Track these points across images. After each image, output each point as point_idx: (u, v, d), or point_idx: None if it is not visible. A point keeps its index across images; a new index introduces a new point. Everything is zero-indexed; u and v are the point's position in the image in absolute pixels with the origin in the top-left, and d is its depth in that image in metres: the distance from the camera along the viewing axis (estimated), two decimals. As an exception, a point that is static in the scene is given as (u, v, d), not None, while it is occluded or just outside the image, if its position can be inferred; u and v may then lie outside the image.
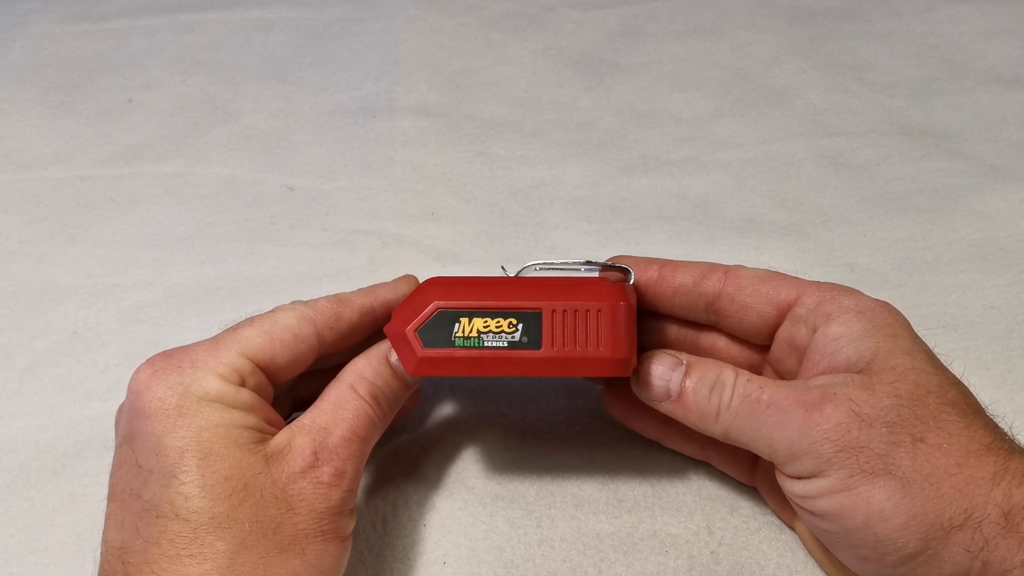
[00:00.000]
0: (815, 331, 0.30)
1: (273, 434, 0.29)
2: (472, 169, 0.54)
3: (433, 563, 0.34)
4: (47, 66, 0.64)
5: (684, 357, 0.31)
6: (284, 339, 0.31)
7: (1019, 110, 0.57)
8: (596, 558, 0.34)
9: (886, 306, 0.30)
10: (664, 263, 0.33)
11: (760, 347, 0.33)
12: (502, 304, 0.30)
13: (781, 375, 0.33)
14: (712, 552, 0.34)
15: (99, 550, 0.28)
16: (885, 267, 0.46)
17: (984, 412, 0.28)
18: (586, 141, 0.56)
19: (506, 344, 0.29)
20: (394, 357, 0.31)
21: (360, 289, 0.34)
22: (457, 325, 0.30)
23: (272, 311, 0.32)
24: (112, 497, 0.28)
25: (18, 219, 0.51)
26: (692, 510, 0.35)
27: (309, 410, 0.30)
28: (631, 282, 0.32)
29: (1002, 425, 0.28)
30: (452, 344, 0.30)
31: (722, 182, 0.52)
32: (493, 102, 0.59)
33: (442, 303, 0.30)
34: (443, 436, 0.38)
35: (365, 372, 0.31)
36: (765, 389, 0.28)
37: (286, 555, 0.27)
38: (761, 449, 0.28)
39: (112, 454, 0.38)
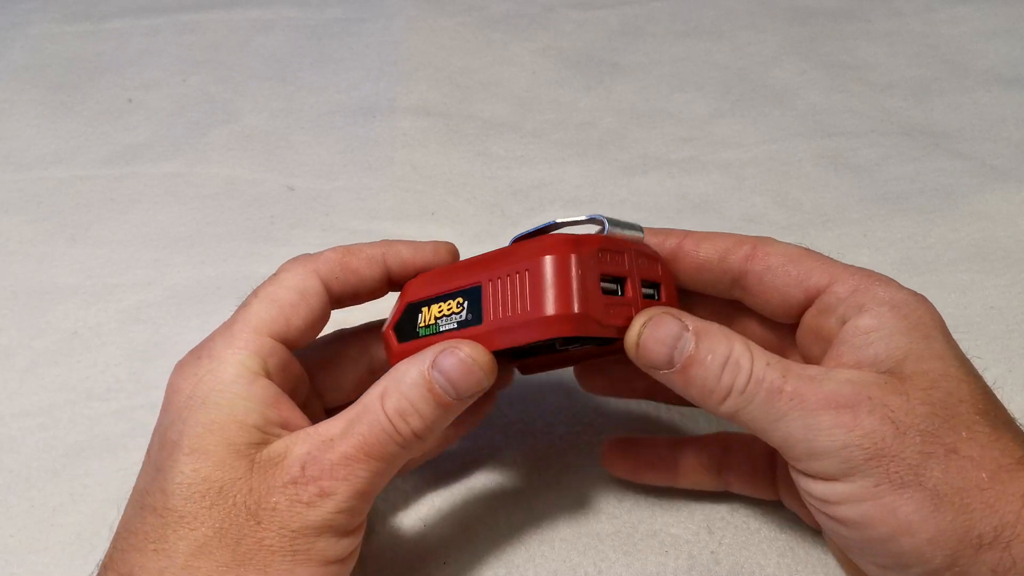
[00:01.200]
0: (845, 322, 0.28)
1: (280, 436, 0.28)
2: (472, 169, 0.54)
3: (433, 563, 0.34)
4: (47, 66, 0.64)
5: (690, 321, 0.27)
6: (291, 300, 0.29)
7: (1019, 110, 0.57)
8: (596, 558, 0.34)
9: (921, 301, 0.28)
10: (686, 235, 0.31)
11: (787, 325, 0.31)
12: (451, 286, 0.29)
13: (805, 359, 0.31)
14: (712, 552, 0.34)
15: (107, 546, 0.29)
16: (885, 267, 0.46)
17: (1014, 424, 0.27)
18: (586, 141, 0.56)
19: (456, 325, 0.29)
20: (435, 369, 0.27)
21: (378, 241, 0.32)
22: (420, 316, 0.30)
23: (275, 275, 0.30)
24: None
25: (18, 219, 0.51)
26: (692, 510, 0.35)
27: (338, 414, 0.28)
28: (605, 232, 0.29)
29: None
30: (417, 335, 0.30)
31: (722, 182, 0.52)
32: (493, 102, 0.59)
33: (410, 297, 0.31)
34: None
35: (401, 381, 0.27)
36: (788, 379, 0.26)
37: (245, 569, 0.26)
38: (772, 440, 0.26)
39: (113, 454, 0.38)
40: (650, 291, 0.29)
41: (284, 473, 0.26)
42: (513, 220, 0.50)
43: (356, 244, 0.31)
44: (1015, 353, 0.41)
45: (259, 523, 0.26)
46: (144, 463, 0.28)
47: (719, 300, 0.32)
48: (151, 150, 0.56)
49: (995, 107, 0.57)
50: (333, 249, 0.31)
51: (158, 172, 0.54)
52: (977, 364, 0.40)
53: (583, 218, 0.29)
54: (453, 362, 0.27)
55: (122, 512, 0.28)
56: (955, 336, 0.42)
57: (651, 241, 0.30)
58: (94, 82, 0.62)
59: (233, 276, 0.47)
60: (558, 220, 0.29)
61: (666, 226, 0.48)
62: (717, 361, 0.26)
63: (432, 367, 0.27)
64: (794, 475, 0.27)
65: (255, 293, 0.30)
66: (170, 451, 0.27)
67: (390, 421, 0.27)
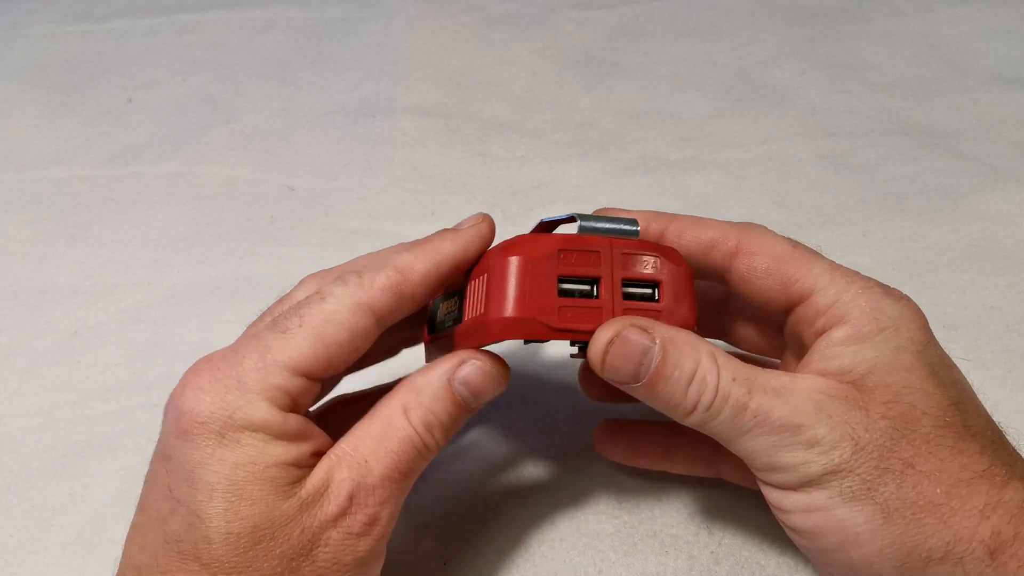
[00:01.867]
0: (823, 332, 0.28)
1: (315, 463, 0.26)
2: (472, 169, 0.54)
3: (433, 563, 0.34)
4: (47, 66, 0.64)
5: (657, 333, 0.26)
6: (339, 341, 0.26)
7: (1019, 110, 0.57)
8: (596, 558, 0.34)
9: (903, 307, 0.28)
10: (671, 221, 0.30)
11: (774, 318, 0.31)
12: (457, 284, 0.30)
13: (793, 352, 0.31)
14: (712, 552, 0.34)
15: (111, 551, 0.28)
16: (885, 267, 0.46)
17: (986, 435, 0.26)
18: (586, 141, 0.56)
19: (451, 323, 0.29)
20: (458, 380, 0.27)
21: (421, 246, 0.29)
22: (439, 310, 0.31)
23: (323, 299, 0.27)
24: (140, 509, 0.27)
25: (18, 219, 0.51)
26: (692, 510, 0.35)
27: (354, 430, 0.27)
28: (578, 231, 0.28)
29: (1014, 443, 0.27)
30: (436, 330, 0.31)
31: (722, 182, 0.52)
32: (493, 102, 0.59)
33: (439, 294, 0.31)
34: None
35: (422, 395, 0.27)
36: (753, 395, 0.26)
37: None
38: (735, 451, 0.27)
39: (113, 454, 0.38)
40: (646, 290, 0.28)
41: (332, 505, 0.26)
42: (513, 220, 0.50)
43: (407, 260, 0.28)
44: (1015, 353, 0.41)
45: (314, 561, 0.25)
46: (164, 496, 0.26)
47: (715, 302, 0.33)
48: (151, 150, 0.56)
49: (995, 107, 0.57)
50: (386, 275, 0.28)
51: (158, 172, 0.54)
52: (977, 364, 0.41)
53: (564, 216, 0.29)
54: (478, 374, 0.27)
55: (128, 537, 0.27)
56: (954, 336, 0.42)
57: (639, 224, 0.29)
58: (94, 82, 0.62)
59: (233, 276, 0.47)
60: (544, 219, 0.29)
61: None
62: (684, 376, 0.26)
63: (455, 379, 0.27)
64: (758, 481, 0.28)
65: (299, 316, 0.27)
66: (208, 495, 0.25)
67: (419, 436, 0.27)
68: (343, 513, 0.26)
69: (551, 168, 0.54)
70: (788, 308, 0.29)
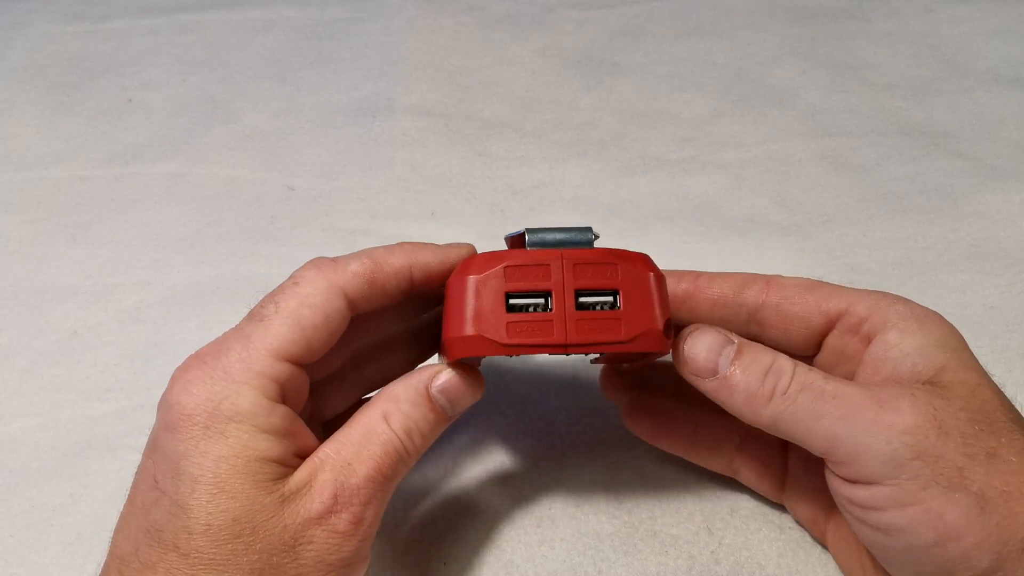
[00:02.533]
0: (871, 340, 0.29)
1: (299, 464, 0.27)
2: (472, 169, 0.54)
3: (433, 563, 0.34)
4: (47, 66, 0.64)
5: (735, 337, 0.28)
6: (315, 323, 0.27)
7: (1019, 110, 0.57)
8: (596, 558, 0.34)
9: (940, 317, 0.29)
10: (697, 276, 0.31)
11: (805, 358, 0.31)
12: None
13: None
14: (712, 552, 0.34)
15: (107, 547, 0.28)
16: (885, 267, 0.46)
17: None
18: (586, 141, 0.56)
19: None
20: (435, 388, 0.29)
21: (400, 246, 0.30)
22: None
23: (296, 284, 0.28)
24: (128, 499, 0.27)
25: (18, 219, 0.51)
26: (692, 510, 0.35)
27: (335, 436, 0.28)
28: (526, 246, 0.28)
29: None
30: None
31: (722, 182, 0.52)
32: (493, 102, 0.59)
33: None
34: (442, 436, 0.38)
35: (401, 401, 0.28)
36: (829, 380, 0.26)
37: None
38: (815, 443, 0.26)
39: (113, 454, 0.38)
40: (605, 299, 0.27)
41: (316, 503, 0.26)
42: (513, 220, 0.50)
43: (382, 253, 0.29)
44: (1015, 353, 0.41)
45: (296, 559, 0.26)
46: (150, 487, 0.26)
47: None
48: (151, 150, 0.56)
49: (995, 107, 0.57)
50: (360, 261, 0.29)
51: (158, 172, 0.54)
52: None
53: (519, 232, 0.29)
54: (453, 383, 0.29)
55: (115, 526, 0.27)
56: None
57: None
58: (94, 82, 0.62)
59: (233, 276, 0.47)
60: (506, 235, 0.30)
61: (666, 228, 0.48)
62: (761, 367, 0.27)
63: (433, 388, 0.29)
64: (835, 484, 0.27)
65: (274, 303, 0.28)
66: (191, 487, 0.25)
67: (400, 441, 0.28)
68: (328, 512, 0.26)
69: (551, 168, 0.54)
70: (826, 328, 0.30)
